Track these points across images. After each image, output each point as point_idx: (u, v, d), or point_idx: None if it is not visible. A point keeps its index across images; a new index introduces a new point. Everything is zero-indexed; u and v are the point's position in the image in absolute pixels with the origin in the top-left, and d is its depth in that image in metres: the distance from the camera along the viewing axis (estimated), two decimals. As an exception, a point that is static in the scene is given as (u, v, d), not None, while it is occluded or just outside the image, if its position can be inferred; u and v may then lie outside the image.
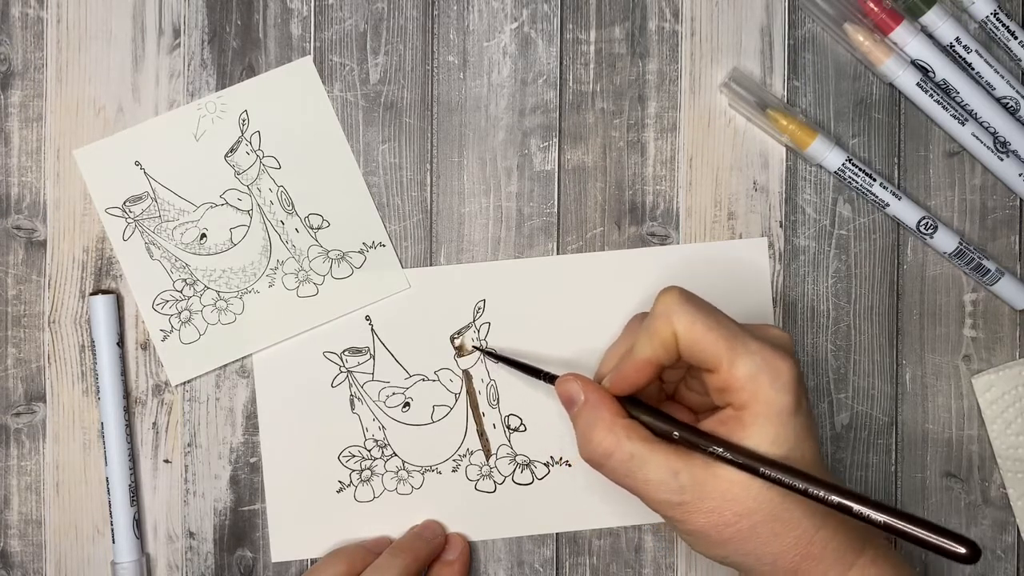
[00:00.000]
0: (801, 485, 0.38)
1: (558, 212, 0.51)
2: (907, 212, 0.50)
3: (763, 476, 0.38)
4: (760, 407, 0.39)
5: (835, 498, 0.37)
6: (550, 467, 0.51)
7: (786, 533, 0.39)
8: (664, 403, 0.46)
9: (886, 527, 0.37)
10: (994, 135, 0.50)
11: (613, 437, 0.41)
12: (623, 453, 0.41)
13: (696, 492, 0.39)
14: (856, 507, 0.37)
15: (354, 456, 0.50)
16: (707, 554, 0.41)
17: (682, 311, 0.40)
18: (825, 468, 0.41)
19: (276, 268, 0.50)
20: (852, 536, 0.40)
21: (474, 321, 0.51)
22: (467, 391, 0.51)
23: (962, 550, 0.35)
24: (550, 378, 0.46)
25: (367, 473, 0.50)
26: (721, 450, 0.39)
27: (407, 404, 0.51)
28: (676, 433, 0.40)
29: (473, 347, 0.50)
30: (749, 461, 0.39)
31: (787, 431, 0.39)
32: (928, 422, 0.52)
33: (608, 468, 0.41)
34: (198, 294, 0.50)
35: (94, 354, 0.49)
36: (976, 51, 0.50)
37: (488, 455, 0.51)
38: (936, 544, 0.36)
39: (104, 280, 0.50)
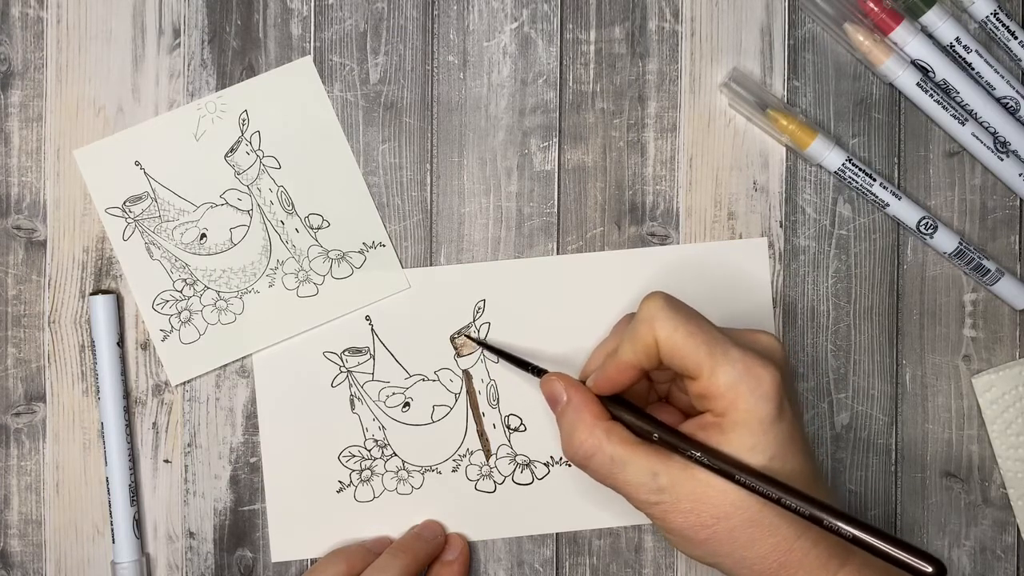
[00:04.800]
0: (775, 494, 0.38)
1: (558, 212, 0.51)
2: (907, 212, 0.50)
3: (738, 482, 0.39)
4: (739, 415, 0.39)
5: (807, 509, 0.38)
6: (550, 467, 0.51)
7: (764, 539, 0.39)
8: (656, 404, 0.46)
9: (855, 540, 0.37)
10: (994, 135, 0.50)
11: (594, 439, 0.41)
12: (603, 455, 0.41)
13: (674, 493, 0.40)
14: (827, 519, 0.37)
15: (354, 456, 0.50)
16: (688, 553, 0.41)
17: (664, 317, 0.40)
18: (816, 476, 0.41)
19: (276, 268, 0.50)
20: (836, 545, 0.40)
21: (474, 321, 0.51)
22: (467, 391, 0.51)
23: (928, 568, 0.36)
24: (538, 372, 0.46)
25: (367, 473, 0.50)
26: (699, 454, 0.39)
27: (407, 404, 0.51)
28: (656, 435, 0.41)
29: (466, 336, 0.50)
30: (725, 467, 0.39)
31: (767, 440, 0.39)
32: (928, 422, 0.52)
33: (590, 468, 0.42)
34: (198, 294, 0.50)
35: (94, 354, 0.49)
36: (976, 51, 0.50)
37: (488, 455, 0.51)
38: (903, 561, 0.36)
39: (104, 280, 0.50)
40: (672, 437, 0.40)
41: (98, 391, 0.49)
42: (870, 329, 0.52)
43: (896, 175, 0.52)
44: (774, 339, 0.42)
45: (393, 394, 0.50)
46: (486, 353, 0.50)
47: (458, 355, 0.51)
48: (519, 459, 0.51)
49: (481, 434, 0.51)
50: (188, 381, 0.50)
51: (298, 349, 0.50)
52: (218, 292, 0.50)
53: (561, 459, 0.51)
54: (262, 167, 0.50)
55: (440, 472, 0.51)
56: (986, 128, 0.50)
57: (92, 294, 0.49)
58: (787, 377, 0.41)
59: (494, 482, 0.51)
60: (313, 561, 0.50)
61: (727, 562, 0.40)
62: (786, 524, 0.39)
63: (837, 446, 0.52)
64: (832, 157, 0.50)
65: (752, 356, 0.40)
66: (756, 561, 0.39)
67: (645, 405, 0.45)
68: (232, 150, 0.50)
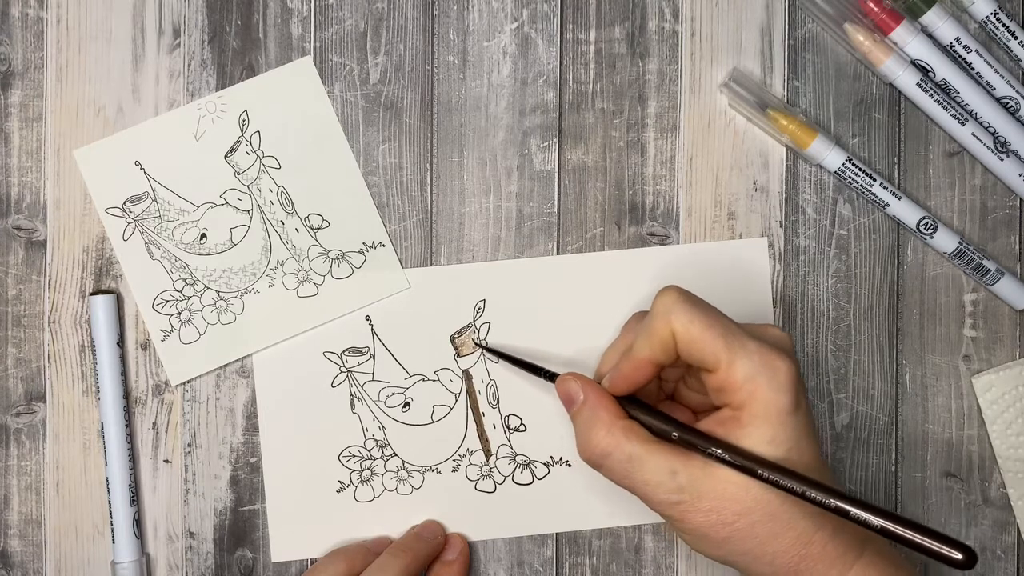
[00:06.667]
0: (799, 488, 0.38)
1: (558, 212, 0.51)
2: (907, 212, 0.50)
3: (761, 478, 0.38)
4: (758, 407, 0.39)
5: (832, 501, 0.37)
6: (550, 467, 0.51)
7: (784, 533, 0.39)
8: (663, 403, 0.46)
9: (883, 531, 0.37)
10: (994, 135, 0.50)
11: (611, 438, 0.41)
12: (621, 454, 0.41)
13: (694, 492, 0.39)
14: (853, 511, 0.37)
15: (354, 456, 0.50)
16: (706, 553, 0.41)
17: (680, 310, 0.40)
18: (826, 467, 0.41)
19: (276, 268, 0.50)
20: (852, 537, 0.40)
21: (474, 321, 0.51)
22: (467, 391, 0.51)
23: (959, 556, 0.36)
24: (550, 376, 0.46)
25: (367, 473, 0.50)
26: (720, 451, 0.39)
27: (407, 404, 0.51)
28: (675, 434, 0.41)
29: (475, 343, 0.50)
30: (747, 463, 0.39)
31: (785, 431, 0.39)
32: (928, 422, 0.52)
33: (606, 468, 0.42)
34: (198, 294, 0.50)
35: (94, 354, 0.49)
36: (976, 51, 0.50)
37: (488, 455, 0.51)
38: (933, 549, 0.36)
39: (104, 280, 0.50)
40: (691, 435, 0.40)
41: (98, 391, 0.49)
42: (870, 329, 0.52)
43: (896, 175, 0.52)
44: (783, 332, 0.43)
45: (393, 394, 0.50)
46: (491, 356, 0.50)
47: (458, 355, 0.51)
48: (519, 459, 0.51)
49: (481, 434, 0.51)
50: (188, 381, 0.50)
51: (298, 349, 0.50)
52: (218, 292, 0.50)
53: (561, 459, 0.51)
54: (262, 167, 0.50)
55: (440, 472, 0.51)
56: (986, 128, 0.50)
57: (92, 294, 0.49)
58: (798, 369, 0.41)
59: (494, 482, 0.51)
60: (313, 561, 0.50)
61: (747, 559, 0.40)
62: (806, 518, 0.39)
63: (837, 446, 0.52)
64: (832, 157, 0.50)
65: (768, 348, 0.40)
66: (776, 556, 0.39)
67: (654, 404, 0.45)
68: (232, 150, 0.50)
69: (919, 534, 0.36)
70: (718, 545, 0.40)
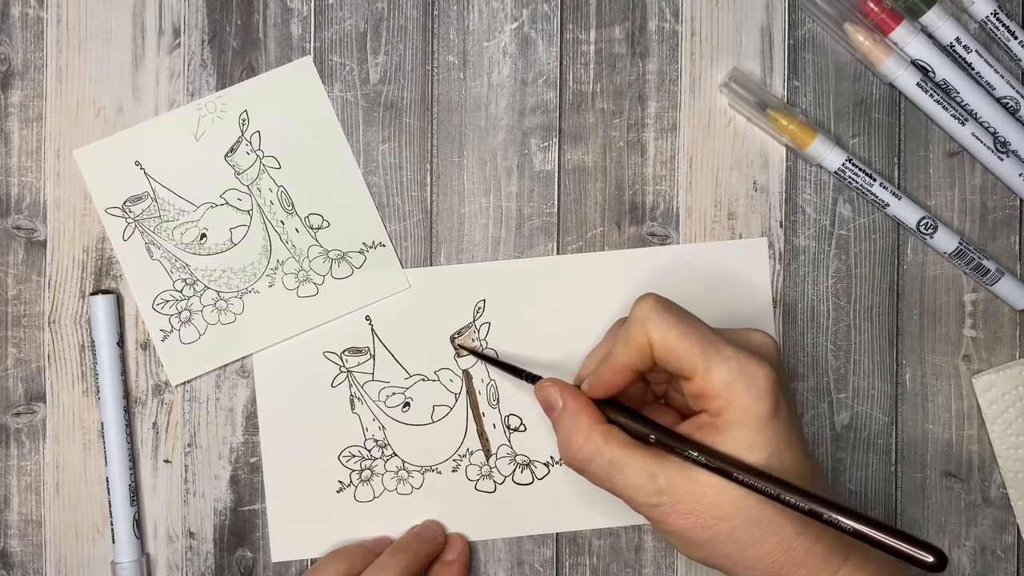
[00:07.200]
0: (773, 490, 0.38)
1: (558, 212, 0.51)
2: (907, 212, 0.50)
3: (736, 480, 0.39)
4: (735, 414, 0.39)
5: (807, 504, 0.38)
6: (550, 467, 0.51)
7: (765, 538, 0.39)
8: (653, 405, 0.46)
9: (855, 533, 0.37)
10: (994, 135, 0.50)
11: (591, 443, 0.41)
12: (602, 459, 0.41)
13: (672, 495, 0.40)
14: (826, 514, 0.37)
15: (354, 456, 0.50)
16: (690, 555, 0.41)
17: (657, 318, 0.40)
18: (817, 472, 0.41)
19: (276, 268, 0.50)
20: (837, 541, 0.40)
21: (474, 321, 0.51)
22: (467, 391, 0.51)
23: (930, 558, 0.36)
24: (532, 378, 0.46)
25: (367, 473, 0.50)
26: (696, 454, 0.39)
27: (407, 404, 0.51)
28: (652, 436, 0.41)
29: (457, 344, 0.50)
30: (723, 465, 0.39)
31: (764, 437, 0.39)
32: (928, 422, 0.52)
33: (589, 473, 0.42)
34: (198, 294, 0.50)
35: (94, 354, 0.49)
36: (976, 51, 0.50)
37: (488, 455, 0.51)
38: (904, 552, 0.36)
39: (104, 280, 0.50)
40: (669, 438, 0.40)
41: (98, 391, 0.49)
42: (870, 329, 0.52)
43: (896, 175, 0.52)
44: (767, 336, 0.43)
45: (393, 394, 0.50)
46: (471, 357, 0.50)
47: (458, 355, 0.51)
48: (519, 459, 0.51)
49: (481, 434, 0.51)
50: (188, 381, 0.50)
51: (298, 349, 0.50)
52: (218, 292, 0.50)
53: (561, 459, 0.51)
54: (262, 167, 0.50)
55: (440, 472, 0.51)
56: (986, 128, 0.50)
57: (92, 294, 0.49)
58: (781, 374, 0.41)
59: (494, 482, 0.51)
60: (313, 561, 0.50)
61: (728, 563, 0.40)
62: (787, 522, 0.39)
63: (837, 446, 0.52)
64: (832, 157, 0.50)
65: (746, 354, 0.40)
66: (758, 560, 0.39)
67: (641, 406, 0.45)
68: (232, 150, 0.50)
69: (890, 536, 0.37)
70: (700, 547, 0.40)
